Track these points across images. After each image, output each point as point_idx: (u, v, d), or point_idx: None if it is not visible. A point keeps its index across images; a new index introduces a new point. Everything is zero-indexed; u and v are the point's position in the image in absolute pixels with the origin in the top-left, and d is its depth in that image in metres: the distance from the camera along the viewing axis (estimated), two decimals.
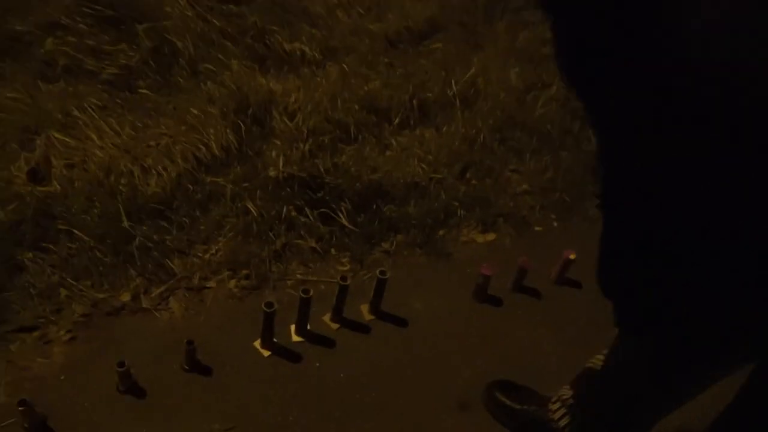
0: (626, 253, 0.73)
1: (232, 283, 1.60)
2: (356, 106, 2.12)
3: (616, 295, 0.77)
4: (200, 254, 1.63)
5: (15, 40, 2.19)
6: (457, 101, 2.32)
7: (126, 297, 1.50)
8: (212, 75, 2.20)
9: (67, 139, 1.79)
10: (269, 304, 1.37)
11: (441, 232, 1.87)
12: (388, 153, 2.03)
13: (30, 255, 1.51)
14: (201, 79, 2.19)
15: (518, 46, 2.70)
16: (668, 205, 0.63)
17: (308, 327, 1.52)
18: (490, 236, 1.91)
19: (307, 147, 1.87)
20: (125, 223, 1.58)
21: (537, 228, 1.98)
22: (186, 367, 1.39)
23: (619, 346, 1.02)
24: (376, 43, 2.64)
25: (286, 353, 1.47)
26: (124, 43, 2.23)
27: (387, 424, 1.36)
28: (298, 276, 1.66)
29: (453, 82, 2.38)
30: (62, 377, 1.34)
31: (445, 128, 2.19)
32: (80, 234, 1.54)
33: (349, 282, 1.46)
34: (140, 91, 2.13)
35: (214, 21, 2.45)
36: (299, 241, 1.72)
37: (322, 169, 1.79)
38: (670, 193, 0.62)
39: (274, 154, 1.80)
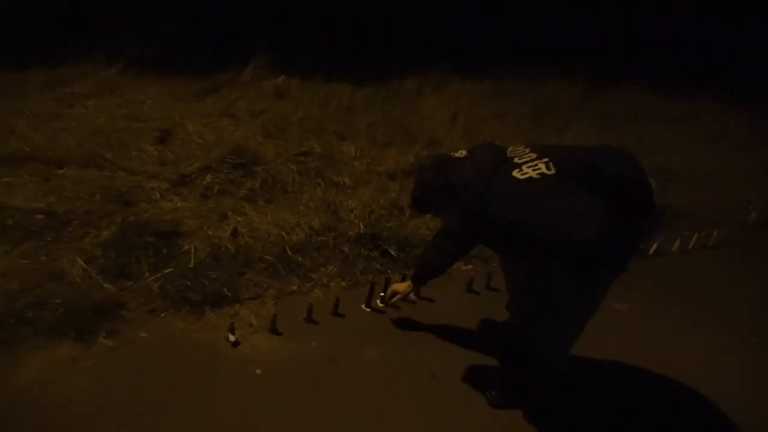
0: None
1: (342, 284, 3.10)
2: (386, 205, 3.79)
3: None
4: (323, 270, 3.14)
5: (186, 176, 3.79)
6: None
7: (295, 287, 2.97)
8: (299, 194, 3.86)
9: (241, 219, 3.33)
10: (372, 283, 2.88)
11: None
12: (409, 226, 3.67)
13: (246, 272, 2.98)
14: (293, 196, 3.83)
15: None
16: None
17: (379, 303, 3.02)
18: (468, 266, 3.51)
19: (370, 221, 3.48)
20: (289, 254, 3.09)
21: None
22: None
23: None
24: (382, 178, 4.42)
25: (376, 311, 2.95)
26: (249, 177, 3.88)
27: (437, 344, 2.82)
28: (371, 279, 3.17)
29: None
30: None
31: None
32: (270, 258, 3.04)
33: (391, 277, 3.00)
34: (260, 202, 3.74)
35: (292, 166, 4.17)
36: (371, 264, 3.26)
37: (380, 230, 3.39)
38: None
39: (354, 218, 3.41)
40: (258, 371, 2.40)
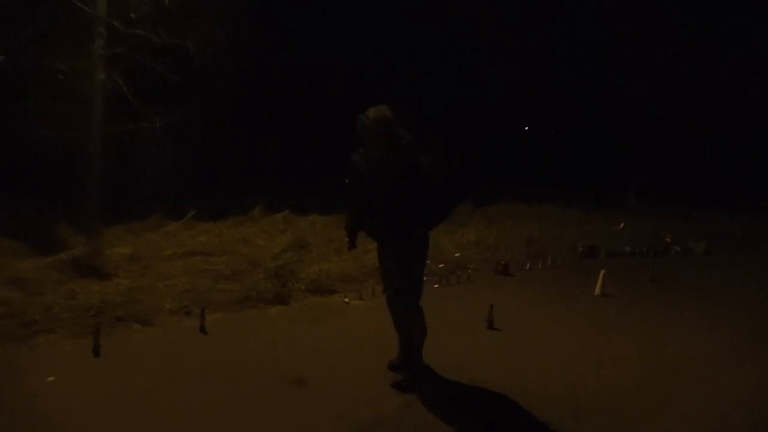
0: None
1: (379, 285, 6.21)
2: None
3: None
4: (369, 281, 6.25)
5: (276, 254, 6.82)
6: None
7: (357, 285, 6.05)
8: (338, 256, 7.00)
9: (318, 267, 6.41)
10: None
11: None
12: None
13: (336, 282, 6.03)
14: (335, 257, 6.96)
15: None
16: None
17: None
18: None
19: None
20: (350, 274, 6.19)
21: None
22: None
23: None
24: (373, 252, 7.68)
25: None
26: (309, 252, 6.99)
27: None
28: None
29: None
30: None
31: None
32: (341, 276, 6.12)
33: None
34: (322, 261, 6.82)
35: (325, 248, 7.33)
36: None
37: None
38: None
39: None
40: (364, 309, 5.45)
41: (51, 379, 3.56)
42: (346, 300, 5.59)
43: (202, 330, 4.54)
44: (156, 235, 7.57)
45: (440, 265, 7.11)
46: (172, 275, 5.76)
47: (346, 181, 3.71)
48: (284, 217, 9.26)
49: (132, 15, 5.71)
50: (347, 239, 3.97)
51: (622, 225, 11.85)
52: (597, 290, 6.66)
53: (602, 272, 6.70)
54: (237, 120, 11.76)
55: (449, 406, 3.47)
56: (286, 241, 7.37)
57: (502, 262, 7.26)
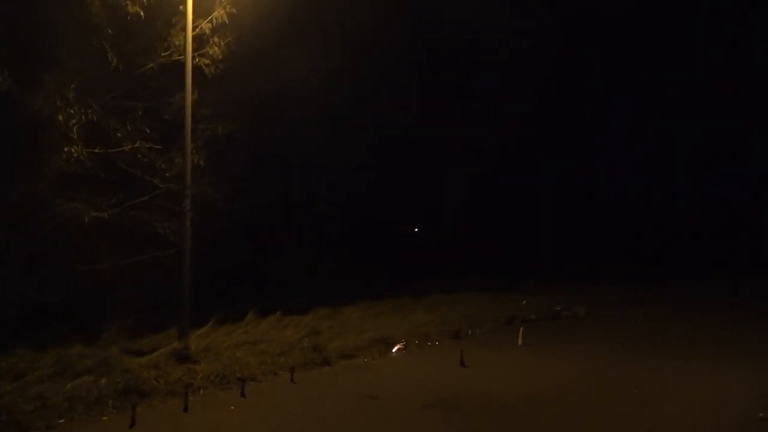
0: None
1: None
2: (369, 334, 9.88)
3: None
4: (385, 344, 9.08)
5: (296, 341, 9.43)
6: None
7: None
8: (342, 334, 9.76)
9: (338, 342, 9.15)
10: (401, 343, 8.93)
11: None
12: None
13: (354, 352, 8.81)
14: (342, 335, 9.71)
15: None
16: None
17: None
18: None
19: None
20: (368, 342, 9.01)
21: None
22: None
23: None
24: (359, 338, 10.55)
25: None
26: (321, 337, 9.68)
27: None
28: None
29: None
30: None
31: None
32: (363, 346, 8.92)
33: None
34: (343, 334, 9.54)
35: (330, 333, 10.07)
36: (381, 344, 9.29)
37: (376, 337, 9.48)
38: None
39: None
40: (379, 365, 8.27)
41: (232, 408, 6.08)
42: (365, 360, 8.39)
43: (292, 380, 7.15)
44: (201, 335, 9.90)
45: (411, 337, 10.07)
46: (240, 356, 8.26)
47: None
48: (277, 318, 11.81)
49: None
50: None
51: (524, 302, 15.49)
52: (519, 341, 9.91)
53: (522, 329, 10.02)
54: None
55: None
56: (303, 331, 9.98)
57: (454, 331, 10.38)
